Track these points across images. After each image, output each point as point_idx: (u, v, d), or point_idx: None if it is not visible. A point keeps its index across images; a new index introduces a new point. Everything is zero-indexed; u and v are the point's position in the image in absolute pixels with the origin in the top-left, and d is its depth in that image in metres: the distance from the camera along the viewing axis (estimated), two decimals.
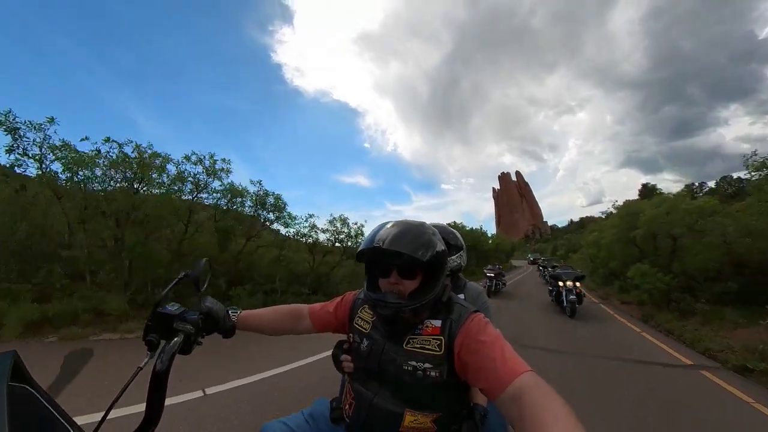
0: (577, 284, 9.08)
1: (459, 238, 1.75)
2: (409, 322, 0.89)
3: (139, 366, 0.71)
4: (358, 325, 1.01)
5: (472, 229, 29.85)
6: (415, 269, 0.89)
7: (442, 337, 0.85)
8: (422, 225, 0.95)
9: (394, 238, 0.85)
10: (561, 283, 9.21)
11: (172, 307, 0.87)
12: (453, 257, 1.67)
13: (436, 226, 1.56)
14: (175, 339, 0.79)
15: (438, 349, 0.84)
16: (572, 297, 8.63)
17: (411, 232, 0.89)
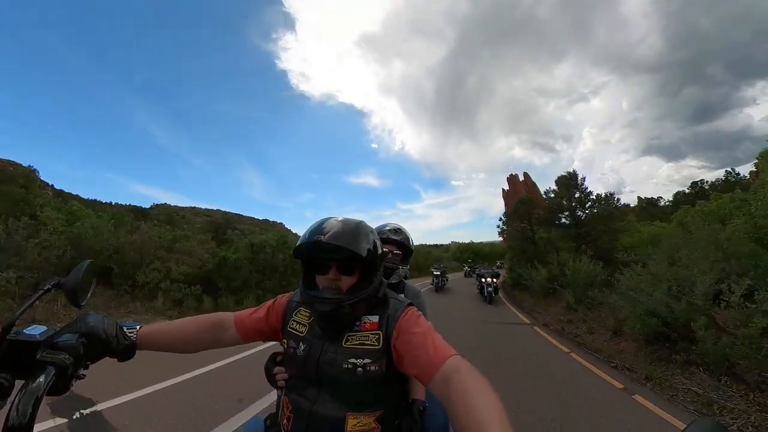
0: (494, 280, 12.54)
1: (411, 244, 1.77)
2: (348, 318, 0.88)
3: None
4: (293, 329, 0.95)
5: (477, 243, 47.47)
6: (353, 265, 0.90)
7: (380, 332, 0.87)
8: (360, 222, 0.95)
9: (334, 233, 0.86)
10: (483, 280, 12.81)
11: (34, 331, 0.62)
12: (403, 269, 1.69)
13: (398, 230, 1.74)
14: (40, 378, 0.55)
15: (376, 343, 0.86)
16: (490, 289, 12.32)
17: (350, 228, 0.89)
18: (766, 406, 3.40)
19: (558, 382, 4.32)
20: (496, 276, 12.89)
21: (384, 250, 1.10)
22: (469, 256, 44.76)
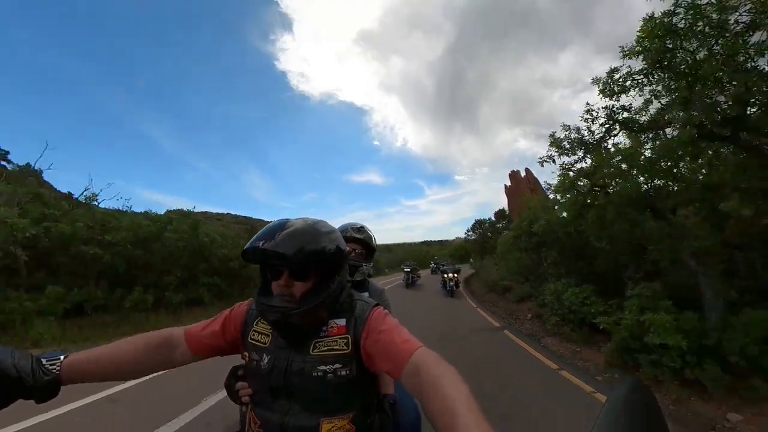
0: (455, 275, 14.45)
1: (374, 242, 1.80)
2: (303, 326, 0.85)
3: None
4: (254, 340, 0.90)
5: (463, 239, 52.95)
6: (306, 270, 0.85)
7: (348, 336, 0.86)
8: (317, 223, 0.90)
9: (280, 239, 0.80)
10: (445, 275, 14.55)
11: None
12: (366, 266, 1.72)
13: (361, 228, 1.77)
14: None
15: (345, 348, 0.85)
16: (451, 284, 14.03)
17: (299, 231, 0.84)
18: (503, 298, 12.97)
19: (451, 301, 13.03)
20: (457, 272, 15.08)
21: (347, 249, 1.08)
22: (463, 252, 51.63)
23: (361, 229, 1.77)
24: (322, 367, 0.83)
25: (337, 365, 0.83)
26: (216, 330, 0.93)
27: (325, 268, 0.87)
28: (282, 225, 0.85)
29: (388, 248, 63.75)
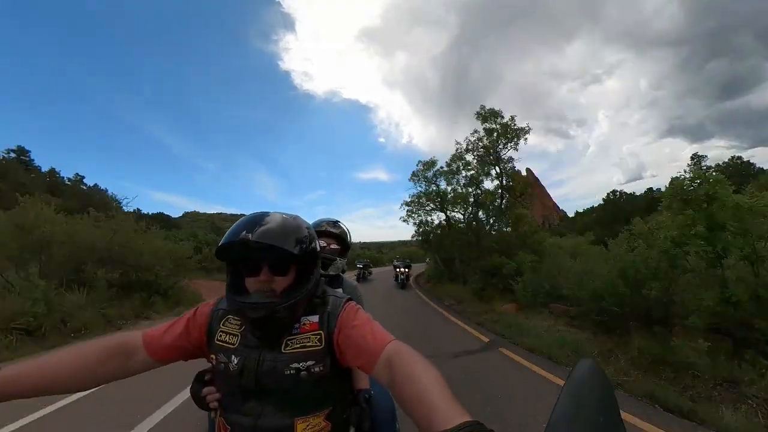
0: (406, 270, 16.22)
1: (349, 238, 1.83)
2: (285, 321, 0.83)
3: None
4: (222, 341, 0.86)
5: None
6: (288, 264, 0.84)
7: (321, 332, 0.84)
8: (295, 217, 0.90)
9: (263, 231, 0.78)
10: (398, 270, 16.27)
11: None
12: (340, 261, 1.72)
13: (336, 223, 1.77)
14: None
15: (319, 344, 0.83)
16: (402, 277, 15.84)
17: (281, 223, 0.83)
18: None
19: (401, 291, 15.46)
20: (408, 267, 16.50)
21: (322, 243, 1.06)
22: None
23: (336, 224, 1.79)
24: (295, 365, 0.80)
25: (311, 362, 0.81)
26: (179, 332, 0.87)
27: (304, 262, 0.86)
28: (261, 217, 0.82)
29: (392, 248, 67.07)
